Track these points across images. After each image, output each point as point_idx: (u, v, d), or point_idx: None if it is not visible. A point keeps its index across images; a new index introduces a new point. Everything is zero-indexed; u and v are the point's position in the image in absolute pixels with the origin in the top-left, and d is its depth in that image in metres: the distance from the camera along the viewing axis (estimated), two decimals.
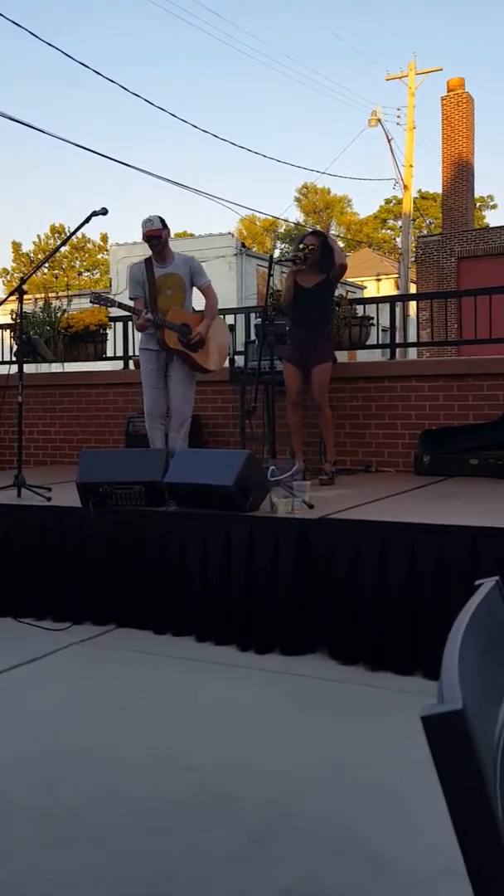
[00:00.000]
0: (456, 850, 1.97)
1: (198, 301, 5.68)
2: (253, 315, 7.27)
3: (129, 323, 7.36)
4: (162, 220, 5.41)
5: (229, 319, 7.07)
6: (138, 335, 5.91)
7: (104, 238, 43.64)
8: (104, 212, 4.96)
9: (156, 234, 5.35)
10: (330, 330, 5.82)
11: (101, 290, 24.74)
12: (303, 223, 41.84)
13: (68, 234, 5.60)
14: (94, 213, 4.97)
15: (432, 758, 0.67)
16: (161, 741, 2.94)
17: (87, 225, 5.13)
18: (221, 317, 5.95)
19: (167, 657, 3.89)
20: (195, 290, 5.63)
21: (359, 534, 3.78)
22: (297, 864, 2.11)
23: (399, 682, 3.46)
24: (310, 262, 5.43)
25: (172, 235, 5.64)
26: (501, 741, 0.79)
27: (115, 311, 6.39)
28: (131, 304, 5.53)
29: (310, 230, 5.95)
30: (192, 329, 5.44)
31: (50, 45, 15.37)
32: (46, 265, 39.63)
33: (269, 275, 5.37)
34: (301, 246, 5.50)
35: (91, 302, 5.55)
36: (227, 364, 6.36)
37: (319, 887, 2.02)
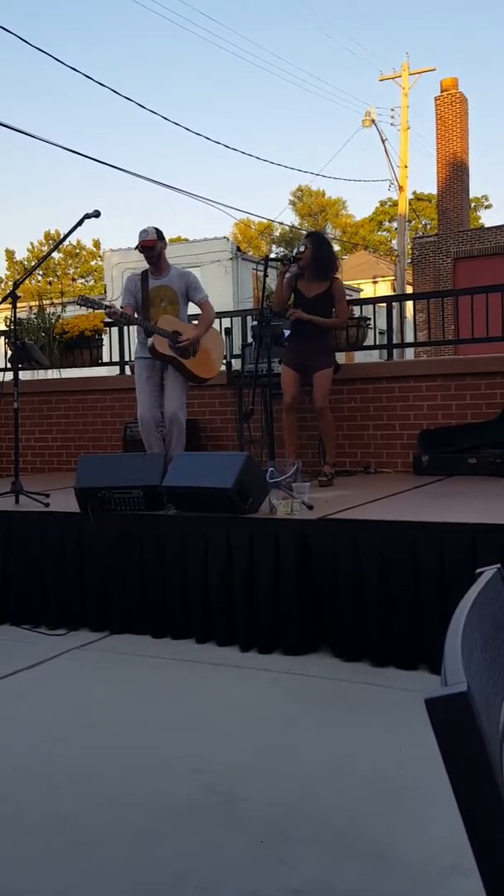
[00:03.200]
0: (463, 845, 1.95)
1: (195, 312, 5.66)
2: (249, 318, 7.26)
3: (126, 328, 7.34)
4: (158, 232, 5.38)
5: (226, 323, 7.07)
6: (134, 340, 5.89)
7: (97, 244, 43.70)
8: (97, 214, 4.94)
9: (149, 245, 5.32)
10: (331, 340, 5.83)
11: (97, 297, 24.78)
12: (298, 226, 41.90)
13: (60, 238, 5.56)
14: (87, 216, 4.95)
15: (437, 741, 0.66)
16: (166, 744, 2.92)
17: (80, 231, 5.14)
18: (216, 329, 5.93)
19: (169, 660, 3.87)
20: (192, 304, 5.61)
21: (359, 533, 3.77)
22: (306, 864, 2.10)
23: (403, 679, 3.45)
24: (302, 265, 5.42)
25: (167, 245, 5.60)
26: None
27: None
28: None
29: (306, 235, 5.96)
30: (183, 337, 5.39)
31: (40, 50, 15.42)
32: (40, 272, 39.66)
33: (265, 276, 5.37)
34: (294, 251, 5.51)
35: (77, 304, 5.51)
36: (223, 368, 6.34)
37: (329, 887, 2.01)
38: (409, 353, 13.79)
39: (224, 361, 6.32)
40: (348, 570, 3.75)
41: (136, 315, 5.32)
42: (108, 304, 5.50)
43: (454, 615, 0.83)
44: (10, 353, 5.68)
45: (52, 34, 60.70)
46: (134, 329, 6.08)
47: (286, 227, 40.31)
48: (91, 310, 5.69)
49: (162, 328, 5.31)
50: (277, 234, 42.76)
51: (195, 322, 5.64)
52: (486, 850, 0.63)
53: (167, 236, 5.57)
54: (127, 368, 7.53)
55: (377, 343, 7.56)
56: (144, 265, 5.55)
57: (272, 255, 5.90)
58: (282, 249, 38.61)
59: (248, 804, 2.44)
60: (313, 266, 5.46)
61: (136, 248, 5.42)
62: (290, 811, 2.39)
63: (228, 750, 2.85)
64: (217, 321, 6.93)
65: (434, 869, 2.03)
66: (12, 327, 5.21)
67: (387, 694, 3.32)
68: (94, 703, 3.39)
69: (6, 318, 6.85)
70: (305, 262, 5.44)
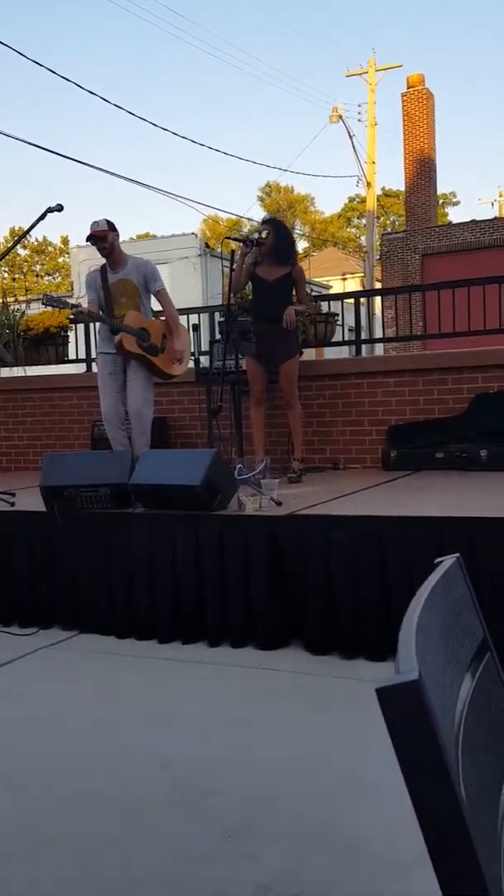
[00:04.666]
0: None
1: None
2: (217, 314, 7.24)
3: (93, 324, 7.28)
4: (109, 223, 5.29)
5: (193, 319, 7.04)
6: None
7: (65, 241, 43.38)
8: (59, 208, 4.87)
9: (100, 235, 5.22)
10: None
11: (63, 294, 24.54)
12: None
13: (23, 233, 5.49)
14: (49, 210, 4.87)
15: (388, 730, 0.66)
16: (134, 740, 2.90)
17: (48, 228, 5.07)
18: (183, 324, 5.88)
19: (139, 658, 3.86)
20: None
21: (327, 528, 3.78)
22: (274, 858, 2.10)
23: (372, 672, 3.46)
24: (263, 249, 5.34)
25: (124, 235, 5.53)
26: (464, 714, 0.77)
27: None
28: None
29: (265, 220, 5.84)
30: (150, 335, 5.34)
31: (3, 43, 15.23)
32: (6, 269, 39.29)
33: (231, 270, 5.33)
34: (256, 234, 5.43)
35: (43, 304, 5.42)
36: (191, 364, 6.31)
37: (298, 881, 2.00)
38: (379, 349, 13.86)
39: (192, 358, 6.30)
40: (317, 565, 3.76)
41: (101, 313, 5.27)
42: (74, 303, 5.41)
43: (411, 604, 0.82)
44: None
45: (8, 24, 60.01)
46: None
47: (254, 224, 40.29)
48: (59, 308, 5.61)
49: (129, 326, 5.26)
50: (246, 230, 42.74)
51: (162, 318, 5.59)
52: (436, 838, 0.63)
53: (135, 232, 5.59)
54: (94, 365, 7.48)
55: (345, 339, 7.56)
56: (97, 267, 5.50)
57: (234, 237, 5.76)
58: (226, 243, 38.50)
59: (217, 800, 2.43)
60: (274, 252, 5.38)
61: (87, 239, 5.35)
62: (258, 806, 2.39)
63: (197, 746, 2.84)
64: (185, 318, 6.91)
65: (402, 861, 2.04)
66: None
67: (356, 687, 3.32)
68: (62, 701, 3.36)
69: None
70: (267, 248, 5.37)
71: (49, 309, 6.20)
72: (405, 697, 0.64)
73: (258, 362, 5.48)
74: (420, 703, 0.63)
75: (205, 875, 2.06)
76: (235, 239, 5.64)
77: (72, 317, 6.53)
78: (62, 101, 72.63)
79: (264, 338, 5.42)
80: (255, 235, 5.33)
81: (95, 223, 5.28)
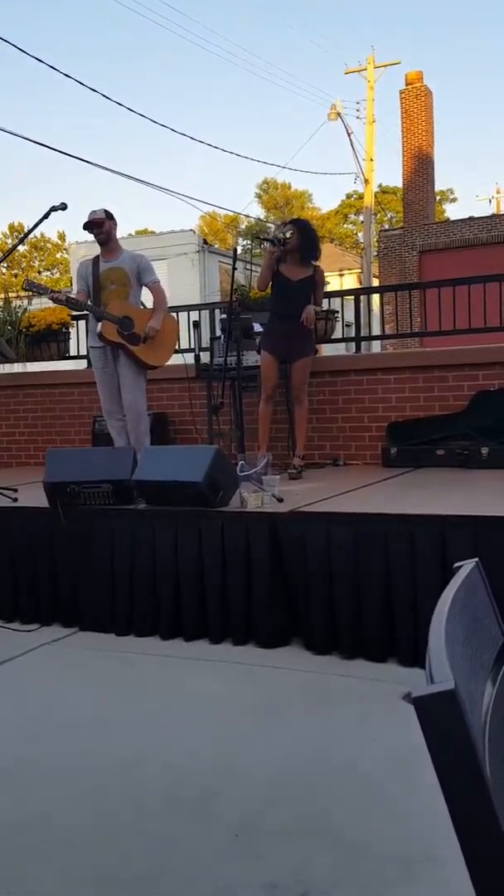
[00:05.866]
0: (435, 835, 1.96)
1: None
2: (218, 311, 7.24)
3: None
4: (107, 212, 5.32)
5: (193, 316, 7.03)
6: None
7: (62, 237, 43.29)
8: (63, 207, 4.88)
9: (97, 222, 5.24)
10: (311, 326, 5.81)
11: (63, 290, 24.49)
12: (264, 219, 41.83)
13: (26, 231, 5.49)
14: (54, 209, 4.89)
15: (424, 738, 0.66)
16: (137, 739, 2.91)
17: (46, 224, 5.05)
18: (172, 315, 5.86)
19: (141, 654, 3.86)
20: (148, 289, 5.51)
21: (329, 525, 3.78)
22: (280, 857, 2.11)
23: (373, 671, 3.47)
24: (288, 247, 5.38)
25: (122, 231, 5.53)
26: (488, 720, 0.78)
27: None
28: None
29: (290, 220, 5.89)
30: (134, 323, 5.29)
31: (4, 40, 15.18)
32: (5, 265, 39.23)
33: (234, 269, 5.34)
34: (282, 234, 5.44)
35: (24, 288, 5.40)
36: (192, 360, 6.31)
37: (304, 879, 2.01)
38: (376, 346, 13.87)
39: (183, 350, 6.27)
40: (319, 562, 3.76)
41: (88, 301, 5.25)
42: (53, 289, 5.38)
43: (436, 610, 0.83)
44: None
45: (12, 21, 59.85)
46: None
47: (252, 220, 40.23)
48: (38, 294, 5.59)
49: (111, 313, 5.22)
50: (244, 226, 42.66)
51: (150, 307, 5.53)
52: (474, 841, 0.64)
53: (134, 228, 5.56)
54: None
55: (344, 335, 7.57)
56: (90, 257, 5.50)
57: (241, 250, 5.82)
58: (247, 242, 38.53)
59: (222, 798, 2.44)
60: (299, 252, 5.43)
61: (84, 226, 5.34)
62: (263, 804, 2.39)
63: (200, 744, 2.85)
64: (185, 314, 6.91)
65: (407, 859, 2.05)
66: None
67: (358, 686, 3.33)
68: (66, 699, 3.37)
69: None
70: (293, 247, 5.41)
71: (51, 304, 6.19)
72: (441, 706, 0.64)
73: (274, 358, 5.48)
74: (457, 711, 0.64)
75: (212, 874, 2.06)
76: (265, 239, 5.65)
77: (72, 311, 6.52)
78: (62, 98, 72.32)
79: (283, 335, 5.43)
80: (281, 235, 5.36)
81: (93, 211, 5.29)
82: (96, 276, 5.32)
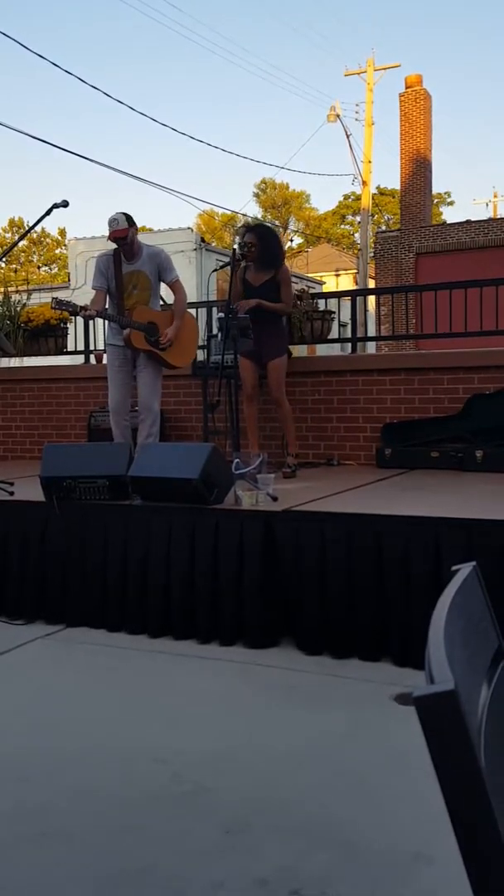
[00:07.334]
0: (427, 834, 1.99)
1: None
2: (215, 309, 7.25)
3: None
4: (128, 218, 5.32)
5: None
6: (101, 329, 5.85)
7: (62, 233, 43.24)
8: (65, 204, 4.89)
9: (121, 235, 5.28)
10: (282, 326, 5.87)
11: (60, 285, 24.49)
12: (261, 218, 41.84)
13: (27, 227, 5.50)
14: (55, 206, 4.90)
15: (425, 738, 0.68)
16: (130, 735, 2.92)
17: (45, 219, 5.06)
18: (191, 313, 5.92)
19: (133, 650, 3.88)
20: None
21: (323, 525, 3.80)
22: (272, 854, 2.12)
23: (365, 671, 3.49)
24: (251, 258, 5.50)
25: (138, 229, 5.56)
26: (483, 721, 0.80)
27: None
28: (92, 293, 5.48)
29: (246, 227, 5.99)
30: (159, 328, 5.39)
31: (6, 35, 15.15)
32: (4, 261, 39.17)
33: (233, 269, 5.37)
34: (241, 244, 5.53)
35: (53, 308, 5.42)
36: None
37: (296, 876, 2.03)
38: (371, 347, 13.91)
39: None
40: (313, 561, 3.78)
41: (107, 306, 5.29)
42: (81, 305, 5.38)
43: (435, 612, 0.85)
44: None
45: (17, 19, 59.69)
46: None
47: (250, 219, 40.23)
48: (71, 314, 5.60)
49: (138, 321, 5.31)
50: (241, 225, 42.63)
51: (170, 302, 5.61)
52: (471, 841, 0.65)
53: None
54: (92, 357, 7.49)
55: (340, 336, 7.59)
56: (109, 252, 5.52)
57: (227, 260, 5.82)
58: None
59: (214, 795, 2.45)
60: (260, 259, 5.54)
61: (109, 238, 5.37)
62: (256, 801, 2.41)
63: (194, 740, 2.86)
64: None
65: (399, 857, 2.07)
66: None
67: (351, 685, 3.35)
68: (57, 693, 3.38)
69: None
70: (253, 257, 5.51)
71: (48, 299, 6.20)
72: (442, 706, 0.66)
73: (249, 361, 5.58)
74: (457, 712, 0.66)
75: (204, 869, 2.08)
76: (226, 265, 5.68)
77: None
78: (62, 95, 72.15)
79: (253, 337, 5.51)
80: (244, 249, 5.44)
81: (115, 220, 5.29)
82: (119, 279, 5.38)
